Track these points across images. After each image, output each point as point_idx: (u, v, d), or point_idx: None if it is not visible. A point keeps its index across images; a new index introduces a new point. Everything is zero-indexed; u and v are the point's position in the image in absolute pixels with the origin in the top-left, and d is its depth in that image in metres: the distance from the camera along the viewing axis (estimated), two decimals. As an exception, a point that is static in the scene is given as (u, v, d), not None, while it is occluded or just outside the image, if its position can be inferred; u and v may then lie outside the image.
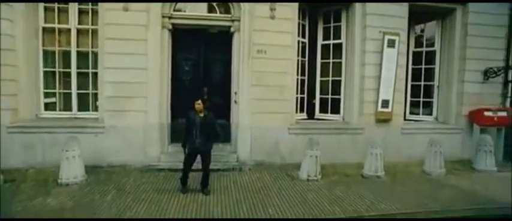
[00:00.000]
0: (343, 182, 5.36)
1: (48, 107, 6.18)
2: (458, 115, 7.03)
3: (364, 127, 6.59)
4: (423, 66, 7.57)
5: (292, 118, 6.47)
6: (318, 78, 7.42)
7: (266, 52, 6.13)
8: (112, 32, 5.68)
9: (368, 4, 6.41)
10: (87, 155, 5.55)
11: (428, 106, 7.63)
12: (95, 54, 6.02)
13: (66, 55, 6.15)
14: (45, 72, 6.10)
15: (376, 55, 6.49)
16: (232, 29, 6.20)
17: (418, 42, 7.78)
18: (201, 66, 6.59)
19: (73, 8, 6.04)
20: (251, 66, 6.11)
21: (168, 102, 6.30)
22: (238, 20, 6.12)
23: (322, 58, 7.39)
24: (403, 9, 6.55)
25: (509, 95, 7.07)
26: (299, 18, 6.86)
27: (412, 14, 6.83)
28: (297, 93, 6.91)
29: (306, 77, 7.30)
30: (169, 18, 6.03)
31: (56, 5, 5.99)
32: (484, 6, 6.78)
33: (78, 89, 6.17)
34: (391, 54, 6.40)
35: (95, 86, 6.07)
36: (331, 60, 7.22)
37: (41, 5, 5.95)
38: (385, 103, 6.53)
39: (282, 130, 6.30)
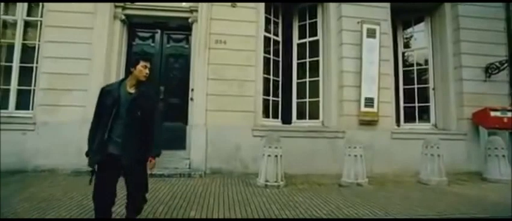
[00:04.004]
0: (313, 189, 4.21)
1: (-18, 104, 5.49)
2: (460, 119, 5.90)
3: (345, 131, 5.53)
4: (415, 68, 6.67)
5: (257, 118, 5.52)
6: (295, 80, 6.58)
7: (226, 42, 5.44)
8: (54, 19, 5.18)
9: (343, -8, 5.80)
10: (11, 158, 4.77)
11: (426, 113, 6.54)
12: (42, 48, 5.46)
13: (10, 49, 5.60)
14: (-17, 67, 5.52)
15: (355, 48, 5.68)
16: (190, 20, 5.62)
17: (408, 43, 6.98)
18: (158, 63, 5.91)
19: (22, -1, 5.66)
20: (208, 59, 5.38)
21: (118, 100, 5.52)
22: (197, 10, 5.55)
23: (299, 58, 6.64)
24: (383, -2, 5.90)
25: (517, 94, 5.99)
26: (271, 15, 6.31)
27: (396, 10, 6.17)
28: (269, 96, 6.08)
29: (280, 79, 6.48)
30: (123, 8, 5.54)
31: (4, -3, 5.64)
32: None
33: (19, 85, 5.51)
34: (371, 45, 5.59)
35: (38, 82, 5.41)
36: (307, 60, 6.45)
37: (-12, -4, 5.60)
38: (369, 101, 5.55)
39: (245, 131, 5.32)
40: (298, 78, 6.57)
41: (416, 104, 6.50)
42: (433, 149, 4.65)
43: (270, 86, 6.20)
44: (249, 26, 5.54)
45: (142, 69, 2.36)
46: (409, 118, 6.55)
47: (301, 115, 6.41)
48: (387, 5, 5.90)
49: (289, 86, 6.65)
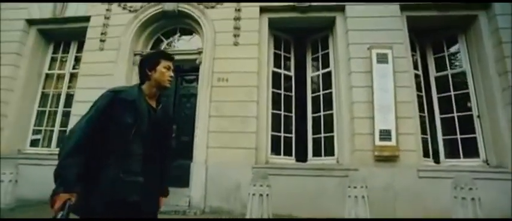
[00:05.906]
0: (304, 235, 3.66)
1: (34, 143, 6.51)
2: (518, 153, 4.64)
3: (359, 168, 4.82)
4: (452, 93, 5.65)
5: (261, 155, 5.25)
6: (310, 115, 6.20)
7: (228, 80, 5.53)
8: (86, 69, 6.07)
9: (348, 21, 5.50)
10: (40, 189, 5.40)
11: (472, 145, 5.34)
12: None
13: (58, 96, 6.72)
14: (38, 112, 6.66)
15: (365, 76, 5.18)
16: (197, 61, 5.96)
17: (441, 67, 6.04)
18: (173, 103, 6.28)
19: (71, 56, 6.87)
20: (210, 96, 5.51)
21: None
22: (202, 51, 5.89)
23: (313, 92, 6.31)
24: (397, 21, 5.37)
25: None
26: (281, 50, 6.34)
27: (422, 32, 5.61)
28: (280, 132, 5.85)
29: (293, 114, 6.20)
30: (141, 55, 6.21)
31: (59, 55, 6.94)
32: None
33: (61, 126, 6.46)
34: (383, 70, 5.02)
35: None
36: (321, 93, 6.08)
37: (49, 55, 6.95)
38: (386, 134, 4.82)
39: (245, 169, 5.05)
40: (313, 113, 6.18)
41: (458, 136, 5.38)
42: (463, 191, 3.66)
43: (281, 122, 5.97)
44: (250, 62, 5.58)
45: (164, 71, 1.68)
46: (451, 152, 5.43)
47: (317, 152, 5.90)
48: (401, 26, 5.34)
49: (305, 121, 6.29)
